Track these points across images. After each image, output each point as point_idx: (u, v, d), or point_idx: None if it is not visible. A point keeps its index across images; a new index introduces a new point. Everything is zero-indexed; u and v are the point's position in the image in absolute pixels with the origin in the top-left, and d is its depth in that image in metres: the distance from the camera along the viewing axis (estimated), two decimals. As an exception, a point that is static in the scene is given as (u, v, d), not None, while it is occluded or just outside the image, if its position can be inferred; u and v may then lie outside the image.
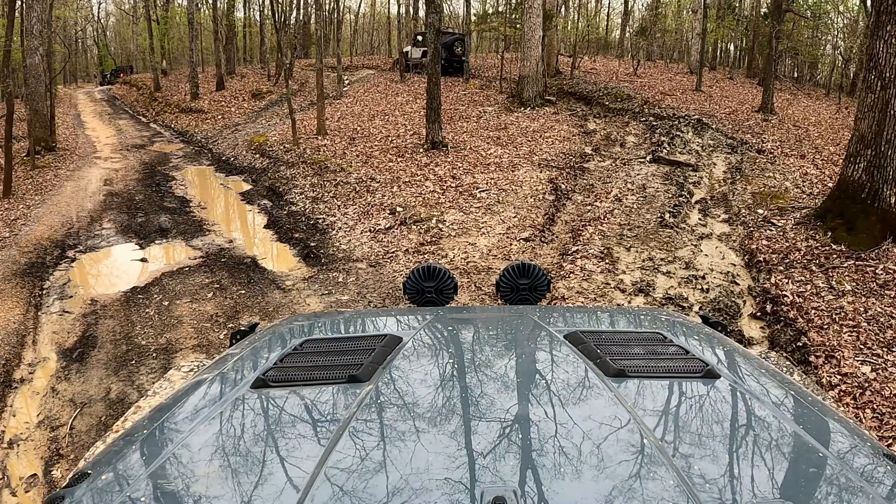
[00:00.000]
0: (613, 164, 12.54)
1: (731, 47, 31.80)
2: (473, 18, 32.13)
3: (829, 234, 9.03)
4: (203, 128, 25.28)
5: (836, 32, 29.17)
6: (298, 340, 1.67)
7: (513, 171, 12.23)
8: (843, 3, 28.76)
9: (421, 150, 14.23)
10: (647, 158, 12.71)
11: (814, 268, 8.32)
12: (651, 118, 16.89)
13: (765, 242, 8.93)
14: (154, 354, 7.16)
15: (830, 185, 12.30)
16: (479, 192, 11.18)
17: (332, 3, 29.86)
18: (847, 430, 1.24)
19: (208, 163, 18.96)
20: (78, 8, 56.88)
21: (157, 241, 11.34)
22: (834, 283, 8.02)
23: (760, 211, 10.05)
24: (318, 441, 1.12)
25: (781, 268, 8.33)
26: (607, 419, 1.13)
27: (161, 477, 1.06)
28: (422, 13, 36.21)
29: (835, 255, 8.57)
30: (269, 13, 37.55)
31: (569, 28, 30.89)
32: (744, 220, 9.72)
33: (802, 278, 8.08)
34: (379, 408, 1.22)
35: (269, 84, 30.12)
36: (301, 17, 37.80)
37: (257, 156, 17.87)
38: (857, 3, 29.28)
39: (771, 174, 12.44)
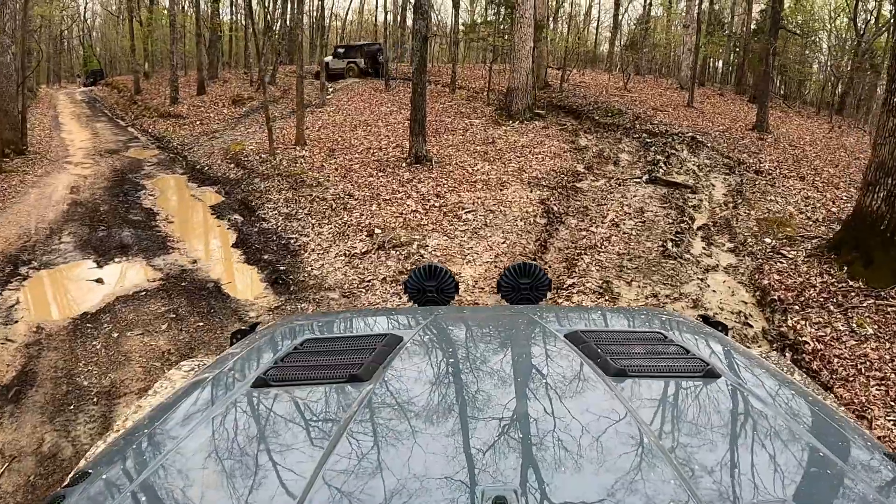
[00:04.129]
0: (608, 185, 11.64)
1: (720, 63, 31.25)
2: (461, 28, 31.29)
3: (845, 268, 8.18)
4: (180, 133, 24.14)
5: (826, 51, 28.66)
6: (299, 340, 1.64)
7: (501, 190, 11.29)
8: (831, 21, 28.27)
9: (404, 164, 13.25)
10: (643, 179, 11.83)
11: (832, 307, 7.46)
12: (644, 135, 16.06)
13: (776, 277, 8.06)
14: (95, 399, 6.24)
15: (834, 209, 11.52)
16: (465, 213, 10.22)
17: (318, 10, 28.88)
18: (848, 430, 1.20)
19: (182, 171, 17.89)
20: (63, 7, 55.37)
21: (116, 259, 10.32)
22: (855, 325, 7.17)
23: (768, 240, 9.18)
24: (318, 440, 1.09)
25: (797, 307, 7.46)
26: (608, 418, 1.10)
27: (161, 477, 1.03)
28: (410, 22, 35.37)
29: (853, 293, 7.71)
30: (254, 17, 36.56)
31: (557, 40, 30.14)
32: (751, 251, 8.85)
33: (821, 320, 7.21)
34: (380, 407, 1.19)
35: (251, 90, 29.01)
36: (288, 22, 36.76)
37: (232, 165, 16.81)
38: (847, 22, 28.81)
39: (773, 197, 11.61)
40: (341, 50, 28.12)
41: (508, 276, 2.50)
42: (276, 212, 12.32)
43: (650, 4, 32.01)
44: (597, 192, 11.18)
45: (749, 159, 14.11)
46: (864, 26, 24.45)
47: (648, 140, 15.11)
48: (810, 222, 10.41)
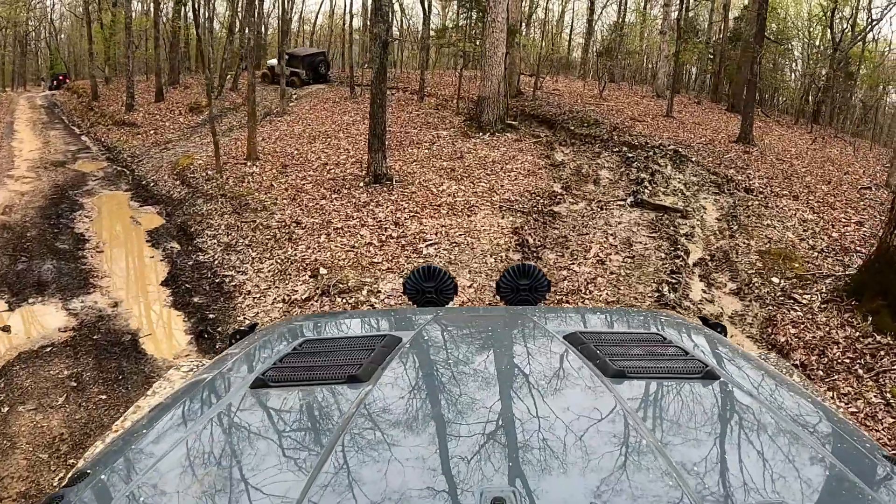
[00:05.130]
0: (589, 208, 10.15)
1: (694, 71, 30.10)
2: (432, 33, 29.71)
3: (870, 318, 6.77)
4: (132, 144, 22.20)
5: (800, 59, 27.67)
6: (298, 341, 1.60)
7: (469, 216, 9.73)
8: (807, 29, 27.29)
9: (361, 184, 11.63)
10: (628, 201, 10.37)
11: (861, 372, 6.07)
12: (623, 147, 14.63)
13: (792, 331, 6.63)
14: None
15: (835, 235, 10.19)
16: (427, 246, 8.64)
17: (282, 14, 27.08)
18: (846, 431, 1.18)
19: (126, 188, 16.10)
20: (30, 8, 52.63)
21: (30, 300, 8.81)
22: (889, 395, 5.79)
23: (776, 280, 7.76)
24: (317, 441, 1.08)
25: (821, 373, 6.03)
26: (607, 420, 1.09)
27: (160, 477, 1.01)
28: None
29: (883, 352, 6.32)
30: (213, 21, 34.59)
31: (530, 46, 28.70)
32: (758, 294, 7.41)
33: (850, 390, 5.82)
34: (378, 408, 1.16)
35: (213, 96, 27.07)
36: (256, 26, 34.81)
37: (178, 183, 15.04)
38: (820, 31, 27.88)
39: (769, 222, 10.23)
40: (288, 56, 26.87)
41: (507, 278, 2.42)
42: (215, 241, 10.64)
43: (625, 11, 30.78)
44: (577, 218, 9.68)
45: (737, 175, 12.76)
46: (840, 34, 23.45)
47: (629, 154, 13.67)
48: (815, 253, 9.03)
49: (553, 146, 14.39)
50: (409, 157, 13.37)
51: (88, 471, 1.07)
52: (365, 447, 1.02)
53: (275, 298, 8.04)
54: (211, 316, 8.13)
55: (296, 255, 9.12)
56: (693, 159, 13.62)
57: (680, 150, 14.30)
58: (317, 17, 47.70)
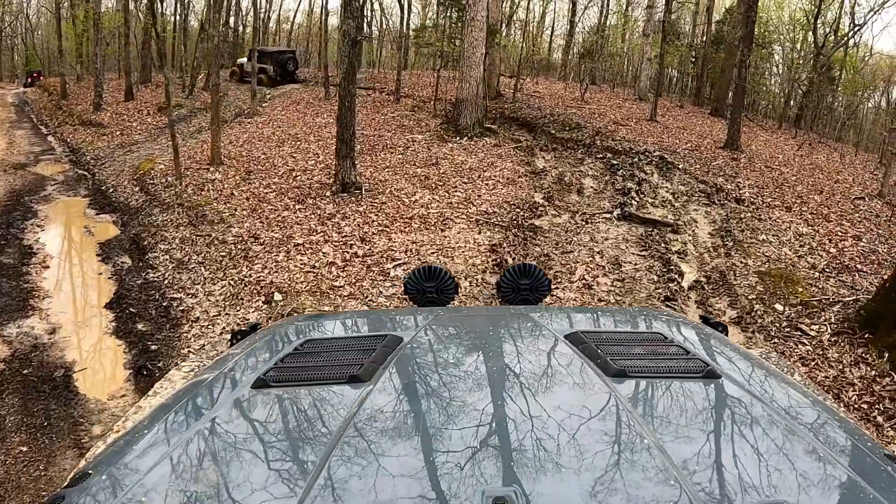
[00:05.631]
0: (573, 222, 9.26)
1: (675, 74, 29.41)
2: (411, 32, 28.71)
3: (887, 355, 5.97)
4: (98, 145, 20.97)
5: (781, 63, 27.11)
6: (299, 340, 1.58)
7: (442, 231, 8.79)
8: (789, 33, 26.73)
9: (328, 193, 10.63)
10: (615, 214, 9.49)
11: (881, 419, 5.28)
12: (607, 153, 13.77)
13: (802, 369, 5.77)
14: None
15: (834, 251, 9.42)
16: (394, 266, 7.69)
17: (265, 12, 25.92)
18: (848, 430, 1.16)
19: (85, 193, 14.99)
20: (6, 3, 50.70)
21: None
22: (916, 446, 4.97)
23: (779, 307, 6.92)
24: (319, 441, 1.06)
25: (842, 421, 5.16)
26: (608, 419, 1.09)
27: (161, 477, 0.99)
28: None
29: (904, 395, 5.52)
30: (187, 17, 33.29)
31: (510, 47, 27.81)
32: (762, 324, 6.57)
33: (875, 441, 4.91)
34: (380, 408, 1.13)
35: (182, 96, 25.83)
36: (231, 23, 33.51)
37: (137, 189, 13.93)
38: (803, 35, 27.35)
39: (764, 236, 9.43)
40: (258, 54, 26.18)
41: (508, 277, 2.38)
42: (167, 256, 9.61)
43: (606, 12, 30.03)
44: (560, 234, 8.78)
45: (727, 184, 11.96)
46: (823, 39, 22.91)
47: (614, 161, 12.81)
48: (816, 273, 8.24)
49: (534, 151, 13.49)
50: (382, 163, 12.39)
51: (90, 471, 1.04)
52: (367, 447, 1.00)
53: (223, 328, 7.05)
54: (153, 347, 7.14)
55: (251, 275, 8.12)
56: (680, 166, 12.80)
57: (666, 156, 13.48)
58: (295, 15, 46.43)
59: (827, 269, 8.42)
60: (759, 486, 0.91)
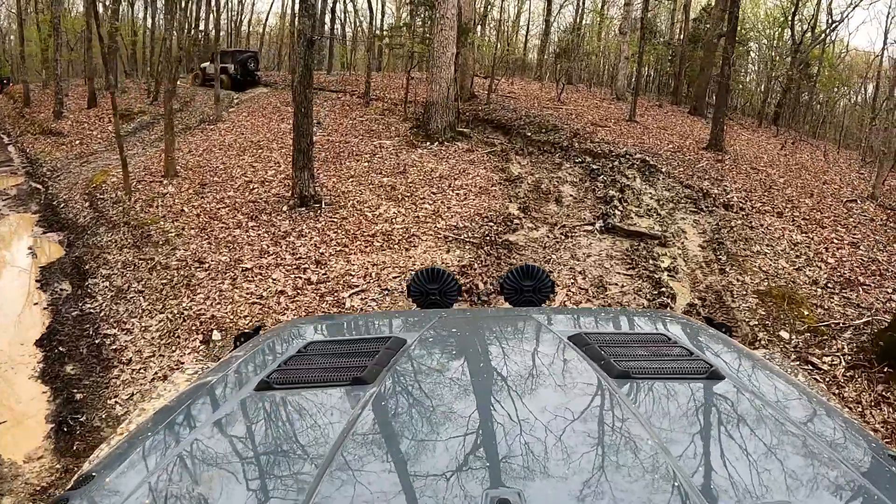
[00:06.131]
0: (551, 236, 8.30)
1: (652, 73, 28.66)
2: (386, 31, 27.68)
3: (913, 391, 5.08)
4: (56, 156, 19.68)
5: (762, 60, 26.46)
6: (302, 343, 1.55)
7: (407, 251, 7.80)
8: (765, 30, 26.08)
9: (285, 208, 9.58)
10: (597, 226, 8.56)
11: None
12: (586, 157, 12.86)
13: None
14: None
15: (832, 262, 8.58)
16: (350, 295, 6.69)
17: (237, 14, 24.71)
18: (852, 431, 1.15)
19: (36, 209, 13.83)
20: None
21: None
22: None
23: (784, 334, 6.03)
24: (322, 443, 1.03)
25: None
26: (611, 421, 1.07)
27: (165, 479, 0.98)
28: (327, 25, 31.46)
29: (939, 441, 4.63)
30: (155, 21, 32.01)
31: (485, 47, 26.84)
32: (768, 355, 5.64)
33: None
34: (383, 410, 1.13)
35: (146, 102, 24.54)
36: (203, 26, 32.14)
37: (87, 205, 12.76)
38: (778, 32, 26.74)
39: (758, 247, 8.56)
40: (219, 55, 25.40)
41: (511, 279, 2.35)
42: (107, 284, 8.51)
43: (582, 11, 29.18)
44: (538, 250, 7.82)
45: (713, 189, 11.10)
46: (801, 36, 22.25)
47: (593, 166, 11.90)
48: (818, 290, 7.38)
49: (508, 156, 12.53)
50: (346, 172, 11.36)
51: (94, 473, 1.03)
52: (370, 449, 0.99)
53: (156, 373, 6.01)
54: (78, 396, 6.09)
55: (191, 308, 7.07)
56: (663, 170, 11.92)
57: (648, 159, 12.59)
58: (267, 17, 45.06)
59: (829, 285, 7.56)
60: (763, 488, 0.88)
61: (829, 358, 5.62)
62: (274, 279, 7.36)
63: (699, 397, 1.18)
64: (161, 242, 9.13)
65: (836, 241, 9.44)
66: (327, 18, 30.30)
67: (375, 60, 35.18)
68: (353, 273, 7.29)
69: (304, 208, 9.37)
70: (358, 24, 38.19)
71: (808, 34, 22.71)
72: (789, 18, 22.19)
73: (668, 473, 0.90)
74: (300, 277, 7.38)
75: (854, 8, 19.40)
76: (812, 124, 24.27)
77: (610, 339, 1.46)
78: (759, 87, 27.31)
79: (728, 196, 10.78)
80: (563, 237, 8.19)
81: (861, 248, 9.23)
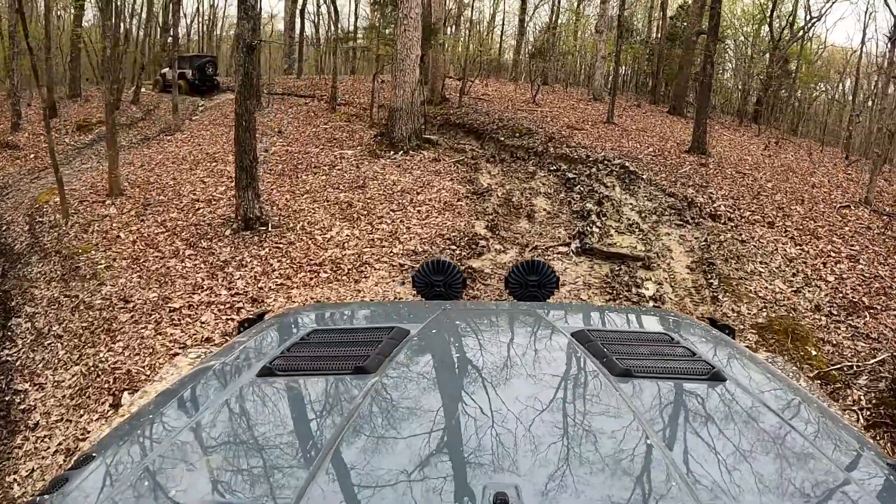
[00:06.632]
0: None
1: (629, 72, 27.76)
2: (349, 33, 26.54)
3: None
4: (9, 171, 18.27)
5: (739, 58, 25.67)
6: (306, 330, 1.50)
7: (357, 282, 6.75)
8: (741, 28, 25.28)
9: (228, 231, 8.47)
10: (573, 247, 7.55)
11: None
12: (561, 163, 11.88)
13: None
14: None
15: (832, 279, 7.66)
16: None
17: (209, 18, 23.43)
18: (852, 438, 1.12)
19: (-21, 232, 12.44)
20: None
21: None
22: None
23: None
24: (322, 431, 1.02)
25: None
26: (611, 418, 1.04)
27: (164, 462, 0.96)
28: (299, 27, 30.18)
29: None
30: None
31: (459, 48, 25.79)
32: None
33: None
34: (384, 400, 1.10)
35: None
36: (171, 31, 30.70)
37: (26, 228, 11.52)
38: (755, 29, 25.97)
39: (752, 266, 7.62)
40: (178, 61, 24.36)
41: (516, 273, 2.30)
42: (29, 324, 7.40)
43: (557, 10, 28.18)
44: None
45: (699, 197, 10.16)
46: (780, 32, 21.45)
47: (569, 175, 10.91)
48: (821, 317, 6.44)
49: (478, 165, 11.50)
50: (301, 187, 10.26)
51: (94, 454, 1.01)
52: (370, 438, 0.97)
53: (60, 443, 4.93)
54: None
55: (108, 359, 5.98)
56: (644, 176, 10.96)
57: (628, 164, 11.63)
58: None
59: (833, 311, 6.63)
60: (760, 491, 0.87)
61: (846, 414, 4.65)
62: (202, 322, 6.27)
63: (700, 398, 1.14)
64: (89, 276, 7.99)
65: (833, 254, 8.53)
66: (297, 21, 28.99)
67: (349, 63, 33.99)
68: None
69: (248, 232, 8.27)
70: (331, 27, 36.92)
71: (787, 31, 21.94)
72: (767, 15, 21.38)
73: (666, 472, 0.87)
74: (233, 318, 6.30)
75: (832, 4, 18.60)
76: (792, 122, 23.52)
77: (613, 336, 1.43)
78: (737, 85, 26.52)
79: (715, 205, 9.84)
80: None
81: (861, 261, 8.33)
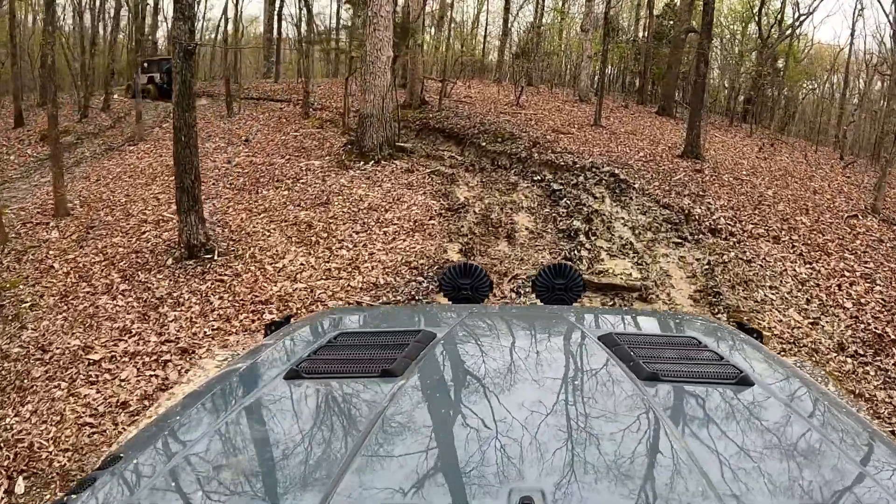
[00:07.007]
0: (498, 293, 6.25)
1: (615, 71, 26.78)
2: (322, 34, 25.44)
3: None
4: (-38, 186, 17.01)
5: (725, 56, 24.78)
6: (332, 333, 1.48)
7: (308, 326, 5.67)
8: (728, 27, 24.40)
9: (170, 260, 7.40)
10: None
11: None
12: (546, 172, 10.88)
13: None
14: None
15: (849, 306, 6.71)
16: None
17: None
18: (882, 444, 1.07)
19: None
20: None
21: None
22: None
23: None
24: (349, 434, 1.00)
25: None
26: (638, 422, 1.01)
27: (191, 464, 0.94)
28: (280, 29, 28.99)
29: None
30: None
31: (443, 49, 24.71)
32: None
33: None
34: (411, 403, 1.09)
35: (74, 120, 21.95)
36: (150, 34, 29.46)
37: (-35, 252, 10.38)
38: (741, 27, 25.11)
39: (761, 292, 6.67)
40: (146, 64, 23.35)
41: (543, 276, 2.28)
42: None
43: (542, 9, 27.14)
44: (480, 317, 5.76)
45: (696, 208, 9.18)
46: (768, 30, 20.57)
47: (555, 186, 9.90)
48: (844, 357, 5.48)
49: (455, 176, 10.46)
50: (260, 205, 9.19)
51: (121, 455, 1.00)
52: (396, 441, 0.96)
53: None
54: None
55: (13, 427, 4.90)
56: (636, 185, 9.98)
57: (618, 171, 10.64)
58: (219, 23, 42.28)
59: (859, 350, 5.67)
60: (787, 496, 0.85)
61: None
62: (122, 381, 5.21)
63: (727, 403, 1.11)
64: (11, 317, 6.89)
65: (847, 273, 7.58)
66: (274, 23, 27.81)
67: (331, 66, 32.81)
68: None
69: (192, 261, 7.21)
70: (315, 27, 35.65)
71: (775, 28, 21.08)
72: (755, 12, 20.53)
73: (692, 478, 0.85)
74: (157, 375, 5.24)
75: (821, 0, 17.78)
76: (781, 121, 22.65)
77: (640, 340, 1.42)
78: (724, 83, 25.65)
79: (714, 217, 8.86)
80: (514, 295, 6.14)
81: (878, 282, 7.38)
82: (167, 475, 0.91)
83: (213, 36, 43.06)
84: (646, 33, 22.56)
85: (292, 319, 1.84)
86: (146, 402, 4.95)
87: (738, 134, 18.08)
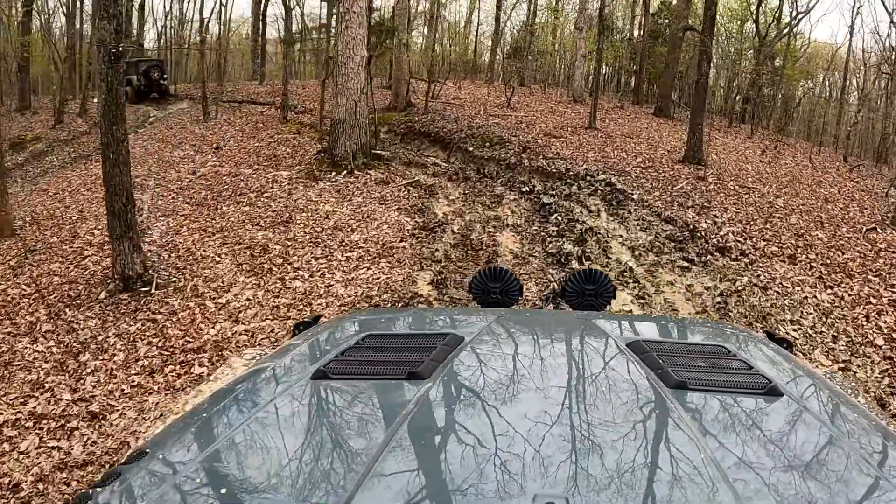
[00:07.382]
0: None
1: (610, 71, 25.77)
2: (297, 34, 24.42)
3: None
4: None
5: (721, 55, 23.78)
6: (361, 335, 1.45)
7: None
8: (725, 25, 23.37)
9: (104, 293, 6.39)
10: (548, 307, 5.51)
11: None
12: (536, 181, 9.89)
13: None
14: None
15: (881, 342, 5.71)
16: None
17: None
18: None
19: None
20: None
21: None
22: None
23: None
24: (374, 435, 0.98)
25: None
26: (665, 431, 1.01)
27: (216, 460, 0.93)
28: (266, 30, 27.97)
29: None
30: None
31: (432, 49, 23.66)
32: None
33: None
34: (437, 406, 1.07)
35: (49, 125, 20.87)
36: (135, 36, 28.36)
37: None
38: (738, 25, 24.10)
39: (782, 325, 5.67)
40: (124, 66, 22.03)
41: (573, 282, 2.24)
42: None
43: (535, 8, 26.12)
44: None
45: (702, 221, 8.19)
46: (766, 29, 19.60)
47: (545, 198, 8.90)
48: (885, 416, 4.49)
49: (437, 184, 9.45)
50: (217, 223, 8.16)
51: (147, 450, 0.99)
52: (421, 443, 0.95)
53: None
54: None
55: None
56: (635, 196, 8.98)
57: (614, 180, 9.65)
58: (207, 25, 41.15)
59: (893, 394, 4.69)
60: None
61: None
62: (22, 453, 4.21)
63: (756, 413, 1.08)
64: None
65: (873, 300, 6.60)
66: (259, 24, 26.76)
67: (319, 66, 31.75)
68: (142, 435, 4.18)
69: (126, 294, 6.19)
70: (299, 26, 34.54)
71: (773, 27, 20.12)
72: (753, 11, 19.57)
73: (718, 489, 0.82)
74: (57, 449, 4.23)
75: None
76: (780, 120, 21.67)
77: (668, 348, 1.36)
78: (721, 83, 24.66)
79: (722, 234, 7.87)
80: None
81: (910, 309, 6.41)
82: (191, 472, 0.89)
83: (197, 38, 41.98)
84: (641, 32, 21.51)
85: (321, 319, 1.82)
86: (39, 486, 3.95)
87: (738, 135, 17.08)
